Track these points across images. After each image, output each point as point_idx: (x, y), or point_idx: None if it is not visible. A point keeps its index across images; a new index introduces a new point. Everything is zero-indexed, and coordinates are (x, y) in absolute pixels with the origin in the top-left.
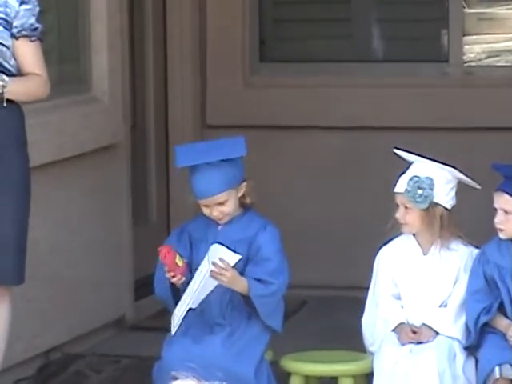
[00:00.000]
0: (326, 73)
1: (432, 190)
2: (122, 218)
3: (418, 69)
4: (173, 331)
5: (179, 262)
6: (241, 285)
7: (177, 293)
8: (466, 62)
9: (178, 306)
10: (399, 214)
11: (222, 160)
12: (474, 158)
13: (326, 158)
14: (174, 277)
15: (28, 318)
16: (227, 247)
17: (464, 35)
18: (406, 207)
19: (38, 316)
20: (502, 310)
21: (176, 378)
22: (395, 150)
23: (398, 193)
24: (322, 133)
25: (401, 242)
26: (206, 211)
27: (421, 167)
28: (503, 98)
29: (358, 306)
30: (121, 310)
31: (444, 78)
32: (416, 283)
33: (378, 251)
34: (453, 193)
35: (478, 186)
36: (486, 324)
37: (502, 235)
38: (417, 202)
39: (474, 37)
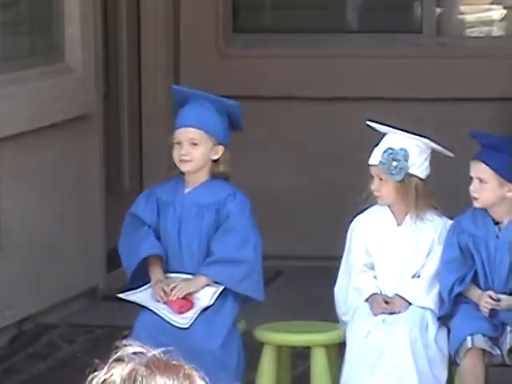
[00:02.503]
0: (301, 43)
1: (407, 161)
2: (95, 187)
3: (392, 40)
4: (121, 294)
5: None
6: (203, 282)
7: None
8: (439, 34)
9: (139, 294)
10: (374, 186)
11: (217, 110)
12: (447, 128)
13: (300, 128)
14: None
15: (0, 289)
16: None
17: (437, 6)
18: (381, 179)
19: (10, 286)
20: (475, 280)
21: (125, 346)
22: (368, 122)
23: (372, 165)
24: (297, 103)
25: (375, 212)
26: (176, 150)
27: (394, 139)
28: (476, 68)
29: (333, 276)
30: (93, 280)
31: (417, 49)
32: (389, 254)
33: (352, 221)
34: (427, 163)
35: (452, 155)
36: (459, 294)
37: (476, 204)
38: (392, 173)
39: (448, 8)
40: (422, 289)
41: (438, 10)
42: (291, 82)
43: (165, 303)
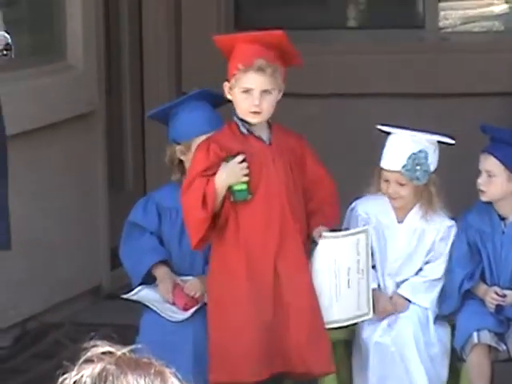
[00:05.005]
0: (302, 40)
1: (428, 162)
2: (98, 185)
3: (394, 35)
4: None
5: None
6: None
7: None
8: (441, 28)
9: (142, 293)
10: (392, 190)
11: (206, 104)
12: (450, 123)
13: (301, 125)
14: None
15: (4, 288)
16: None
17: (440, 1)
18: (401, 184)
19: (14, 286)
20: (481, 275)
21: (93, 346)
22: (379, 127)
23: (390, 170)
24: (298, 99)
25: (376, 203)
26: (187, 156)
27: (412, 141)
28: (479, 63)
29: None
30: (97, 278)
31: (420, 44)
32: (389, 251)
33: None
34: (437, 157)
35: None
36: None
37: (483, 197)
38: (418, 179)
39: (450, 3)
40: (422, 288)
41: (441, 5)
42: (293, 78)
43: (173, 304)
